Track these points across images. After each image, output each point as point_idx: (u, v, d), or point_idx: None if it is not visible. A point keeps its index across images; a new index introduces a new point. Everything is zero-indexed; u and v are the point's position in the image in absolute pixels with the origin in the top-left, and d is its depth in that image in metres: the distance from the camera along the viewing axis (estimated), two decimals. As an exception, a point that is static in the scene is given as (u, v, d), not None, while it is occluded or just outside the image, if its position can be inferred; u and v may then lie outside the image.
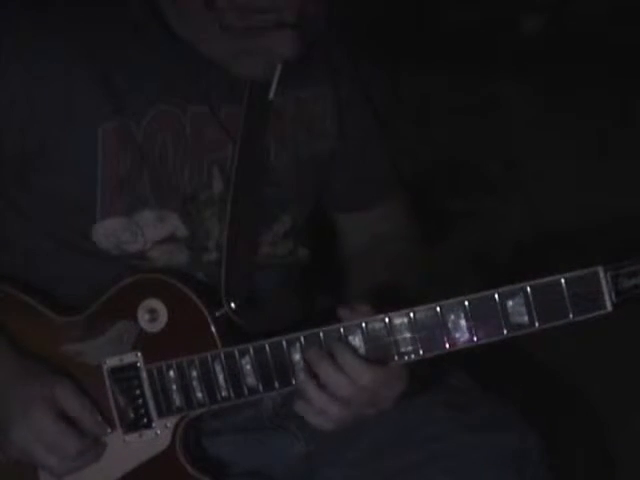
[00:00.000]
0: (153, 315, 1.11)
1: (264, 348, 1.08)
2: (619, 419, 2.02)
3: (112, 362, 1.12)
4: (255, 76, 1.13)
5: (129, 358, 1.11)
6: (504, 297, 1.01)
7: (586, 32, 3.16)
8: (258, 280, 1.20)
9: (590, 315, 1.00)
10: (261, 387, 1.08)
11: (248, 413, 1.21)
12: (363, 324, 1.05)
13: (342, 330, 1.06)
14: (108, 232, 1.12)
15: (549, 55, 3.10)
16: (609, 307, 0.99)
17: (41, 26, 1.09)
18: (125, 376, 1.11)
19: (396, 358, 1.05)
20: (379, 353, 1.05)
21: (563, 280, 1.00)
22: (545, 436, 1.19)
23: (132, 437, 1.12)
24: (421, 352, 1.05)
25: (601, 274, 0.99)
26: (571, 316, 1.00)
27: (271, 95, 1.12)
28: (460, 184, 2.69)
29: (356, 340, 1.05)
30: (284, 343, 1.07)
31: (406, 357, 1.05)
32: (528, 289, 1.01)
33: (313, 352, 1.05)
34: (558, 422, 1.71)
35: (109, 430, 1.11)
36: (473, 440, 1.15)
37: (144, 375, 1.11)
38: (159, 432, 1.12)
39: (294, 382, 1.08)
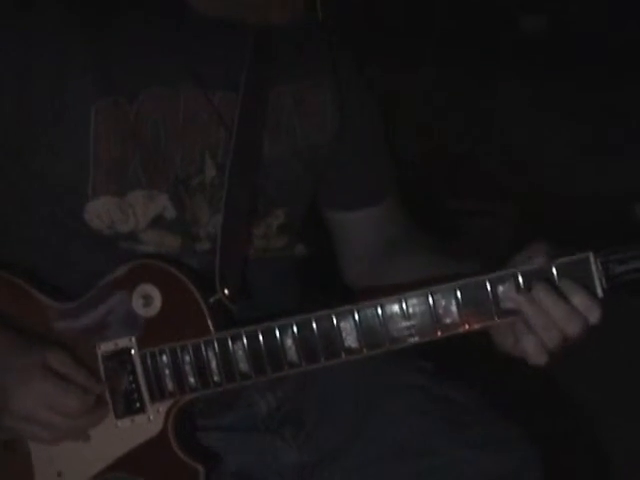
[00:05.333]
0: (147, 300, 1.12)
1: (256, 333, 1.08)
2: (617, 432, 2.02)
3: (106, 347, 1.12)
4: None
5: (123, 343, 1.12)
6: (495, 283, 1.02)
7: (586, 32, 3.17)
8: (252, 272, 1.20)
9: (580, 301, 1.00)
10: (253, 372, 1.09)
11: (241, 413, 1.21)
12: (355, 309, 1.06)
13: (334, 316, 1.06)
14: (100, 211, 1.12)
15: (549, 55, 3.11)
16: (599, 293, 1.00)
17: (36, 3, 1.09)
18: (119, 361, 1.12)
19: (387, 345, 1.06)
20: (371, 338, 1.05)
21: (554, 266, 1.01)
22: (546, 458, 1.17)
23: (124, 422, 1.12)
24: (415, 339, 1.05)
25: (591, 260, 0.99)
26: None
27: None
28: (460, 184, 2.70)
29: (347, 325, 1.06)
30: (276, 329, 1.07)
31: (399, 344, 1.05)
32: (519, 275, 1.02)
33: (543, 287, 1.00)
34: (560, 440, 1.70)
35: (100, 385, 1.11)
36: (471, 456, 1.14)
37: (137, 360, 1.11)
38: (151, 417, 1.12)
39: (286, 369, 1.08)
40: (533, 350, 1.00)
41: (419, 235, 1.31)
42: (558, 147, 2.84)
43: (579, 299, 0.98)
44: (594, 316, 0.99)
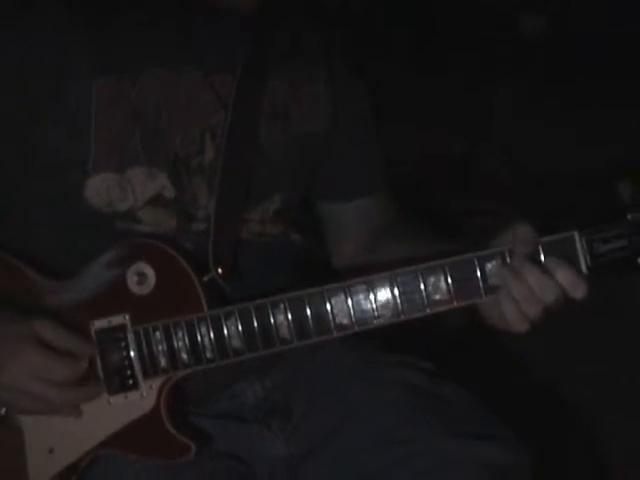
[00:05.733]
0: (141, 278, 1.13)
1: (249, 310, 1.10)
2: (615, 430, 2.02)
3: (100, 324, 1.14)
4: None
5: (117, 320, 1.13)
6: (483, 260, 1.04)
7: (586, 32, 3.19)
8: (246, 255, 1.22)
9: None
10: (245, 349, 1.10)
11: (229, 403, 1.23)
12: (346, 285, 1.07)
13: (325, 292, 1.08)
14: (100, 188, 1.14)
15: (549, 55, 3.13)
16: (584, 270, 1.02)
17: None
18: (112, 338, 1.13)
19: (376, 322, 1.07)
20: (362, 314, 1.07)
21: (540, 243, 1.03)
22: (538, 458, 1.16)
23: (117, 399, 1.14)
24: (402, 316, 1.07)
25: (576, 238, 1.01)
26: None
27: None
28: (460, 184, 2.71)
29: (338, 302, 1.07)
30: (268, 305, 1.09)
31: (387, 320, 1.06)
32: (506, 252, 1.03)
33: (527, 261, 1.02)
34: (552, 443, 1.71)
35: (90, 353, 1.12)
36: (454, 445, 1.13)
37: (131, 337, 1.13)
38: (144, 394, 1.13)
39: (278, 345, 1.09)
40: (514, 319, 1.02)
41: (408, 225, 1.33)
42: (559, 147, 2.85)
43: (563, 274, 1.00)
44: (579, 291, 1.01)
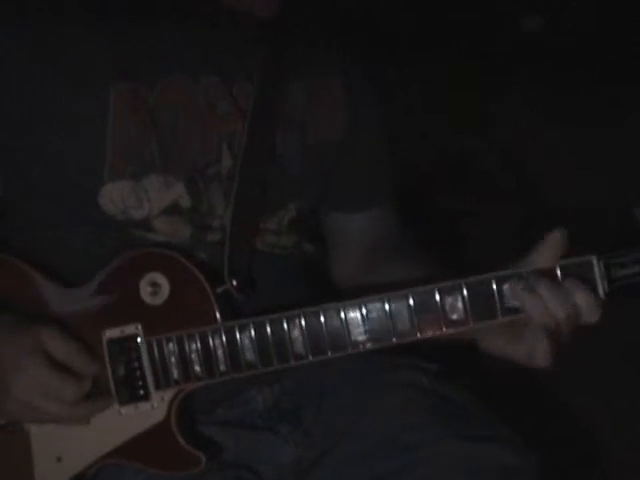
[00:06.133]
0: (155, 288, 1.13)
1: (264, 324, 1.09)
2: (609, 426, 2.03)
3: (112, 333, 1.13)
4: None
5: (129, 330, 1.12)
6: (501, 281, 1.04)
7: (586, 32, 3.20)
8: (260, 266, 1.21)
9: (582, 302, 1.03)
10: (259, 362, 1.10)
11: (239, 409, 1.22)
12: (362, 302, 1.07)
13: (341, 308, 1.08)
14: (115, 196, 1.13)
15: (549, 55, 3.13)
16: (602, 294, 1.03)
17: None
18: (124, 347, 1.12)
19: (394, 340, 1.07)
20: (377, 332, 1.07)
21: (558, 267, 1.03)
22: (543, 459, 1.17)
23: (128, 409, 1.13)
24: (418, 334, 1.07)
25: (594, 262, 1.02)
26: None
27: None
28: (460, 184, 2.71)
29: (355, 318, 1.08)
30: (284, 320, 1.09)
31: (404, 338, 1.07)
32: (524, 274, 1.04)
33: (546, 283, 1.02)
34: (558, 448, 1.71)
35: (100, 369, 1.10)
36: (458, 447, 1.13)
37: (143, 347, 1.12)
38: (155, 405, 1.13)
39: (292, 361, 1.09)
40: (541, 353, 1.03)
41: (410, 246, 1.32)
42: (558, 147, 2.86)
43: (581, 296, 1.01)
44: (595, 315, 1.01)
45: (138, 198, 1.14)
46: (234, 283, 1.15)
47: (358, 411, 1.22)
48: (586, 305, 1.01)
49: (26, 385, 1.07)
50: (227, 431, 1.21)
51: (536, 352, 1.03)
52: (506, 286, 1.04)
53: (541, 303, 1.01)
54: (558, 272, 1.03)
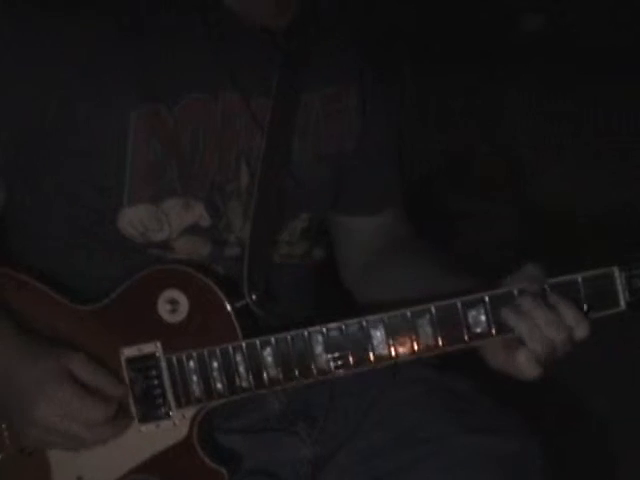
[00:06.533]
0: (174, 306, 1.12)
1: (286, 339, 1.09)
2: (623, 427, 2.05)
3: (130, 352, 1.12)
4: None
5: (148, 348, 1.11)
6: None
7: (585, 32, 3.21)
8: (276, 279, 1.21)
9: (604, 313, 1.05)
10: (282, 378, 1.10)
11: (254, 415, 1.22)
12: (385, 318, 1.08)
13: (364, 323, 1.08)
14: (134, 219, 1.12)
15: (548, 54, 3.14)
16: (623, 305, 1.05)
17: (77, 7, 1.08)
18: (143, 366, 1.12)
19: (415, 353, 1.07)
20: (401, 345, 1.07)
21: (580, 278, 1.05)
22: (546, 444, 1.19)
23: (148, 427, 1.12)
24: (443, 348, 1.07)
25: (616, 274, 1.04)
26: (586, 313, 1.05)
27: None
28: (460, 184, 2.72)
29: (378, 334, 1.08)
30: (306, 334, 1.09)
31: (429, 352, 1.08)
32: (546, 285, 1.05)
33: (531, 300, 1.04)
34: (559, 431, 1.73)
35: (125, 392, 1.10)
36: (470, 441, 1.15)
37: (163, 365, 1.11)
38: (177, 422, 1.12)
39: (316, 376, 1.09)
40: (525, 362, 1.04)
41: (420, 249, 1.32)
42: (559, 147, 2.87)
43: (566, 313, 1.04)
44: (582, 330, 1.04)
45: (158, 221, 1.13)
46: (253, 298, 1.15)
47: (369, 407, 1.23)
48: (573, 319, 1.03)
49: (53, 410, 1.06)
50: (246, 437, 1.21)
51: (518, 361, 1.05)
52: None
53: (529, 319, 1.04)
54: (580, 283, 1.04)
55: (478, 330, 1.06)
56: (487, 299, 1.06)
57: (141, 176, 1.11)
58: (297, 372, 1.09)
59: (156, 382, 1.12)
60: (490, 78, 3.03)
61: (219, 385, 1.11)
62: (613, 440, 2.03)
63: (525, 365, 1.05)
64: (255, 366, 1.10)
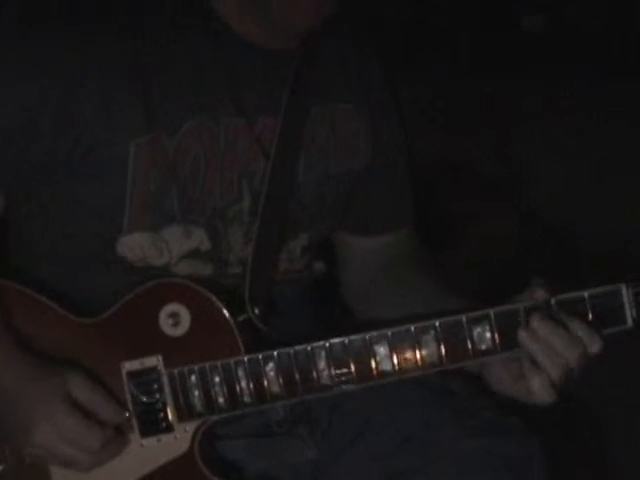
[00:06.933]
0: (176, 319, 1.11)
1: (289, 354, 1.08)
2: (620, 427, 2.04)
3: (132, 366, 1.11)
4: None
5: (150, 362, 1.11)
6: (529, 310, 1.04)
7: (585, 31, 3.20)
8: (277, 295, 1.21)
9: (611, 330, 1.04)
10: (284, 393, 1.09)
11: (257, 420, 1.21)
12: (389, 333, 1.07)
13: (368, 338, 1.07)
14: (134, 246, 1.12)
15: (549, 54, 3.13)
16: (630, 322, 1.04)
17: (83, 34, 1.06)
18: (145, 380, 1.11)
19: (419, 370, 1.07)
20: (404, 362, 1.07)
21: (587, 295, 1.04)
22: (546, 445, 1.19)
23: (150, 441, 1.12)
24: (444, 365, 1.07)
25: (623, 291, 1.03)
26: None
27: None
28: (460, 185, 2.71)
29: (381, 349, 1.07)
30: (309, 350, 1.08)
31: (432, 368, 1.07)
32: (552, 302, 1.04)
33: (545, 324, 1.03)
34: (559, 431, 1.73)
35: (126, 416, 1.10)
36: (473, 444, 1.16)
37: (165, 379, 1.10)
38: (178, 436, 1.11)
39: (319, 392, 1.08)
40: (540, 389, 1.03)
41: (426, 272, 1.30)
42: (558, 146, 2.86)
43: (578, 328, 1.02)
44: (596, 346, 1.03)
45: (157, 248, 1.12)
46: (256, 312, 1.14)
47: (372, 410, 1.23)
48: (585, 335, 1.02)
49: (49, 431, 1.06)
50: (249, 443, 1.20)
51: (532, 386, 1.04)
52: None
53: (540, 339, 1.02)
54: (587, 299, 1.03)
55: (483, 347, 1.05)
56: (492, 315, 1.05)
57: (140, 205, 1.10)
58: (300, 387, 1.08)
59: (157, 396, 1.11)
60: (490, 78, 3.02)
61: (221, 399, 1.10)
62: (612, 441, 2.03)
63: (540, 392, 1.04)
64: (257, 381, 1.09)
